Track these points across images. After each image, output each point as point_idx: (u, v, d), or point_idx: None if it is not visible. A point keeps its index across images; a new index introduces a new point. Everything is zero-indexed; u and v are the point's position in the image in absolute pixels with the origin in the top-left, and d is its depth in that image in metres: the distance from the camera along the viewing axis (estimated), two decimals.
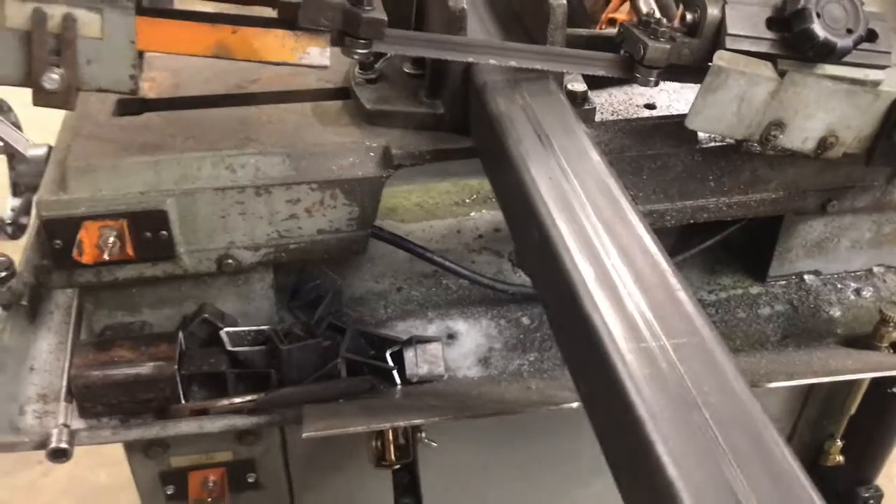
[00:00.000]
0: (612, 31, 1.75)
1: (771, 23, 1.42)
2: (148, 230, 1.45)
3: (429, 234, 1.99)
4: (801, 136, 1.51)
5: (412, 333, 1.68)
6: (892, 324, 1.69)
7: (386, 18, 1.28)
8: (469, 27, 1.56)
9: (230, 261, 1.54)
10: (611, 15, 4.27)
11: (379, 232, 1.63)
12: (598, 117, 1.63)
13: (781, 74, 1.42)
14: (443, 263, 1.67)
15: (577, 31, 1.70)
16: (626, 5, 4.25)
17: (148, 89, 1.67)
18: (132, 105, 1.62)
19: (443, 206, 2.07)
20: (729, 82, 1.40)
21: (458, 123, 1.55)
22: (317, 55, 1.30)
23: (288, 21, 1.27)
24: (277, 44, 1.28)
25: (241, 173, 1.48)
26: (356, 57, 1.33)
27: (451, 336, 1.71)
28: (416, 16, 1.60)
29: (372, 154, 1.53)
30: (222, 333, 1.57)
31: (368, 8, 1.28)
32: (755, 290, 1.85)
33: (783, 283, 1.86)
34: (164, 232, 1.46)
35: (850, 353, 1.74)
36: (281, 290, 1.69)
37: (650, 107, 1.69)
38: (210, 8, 1.31)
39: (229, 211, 1.49)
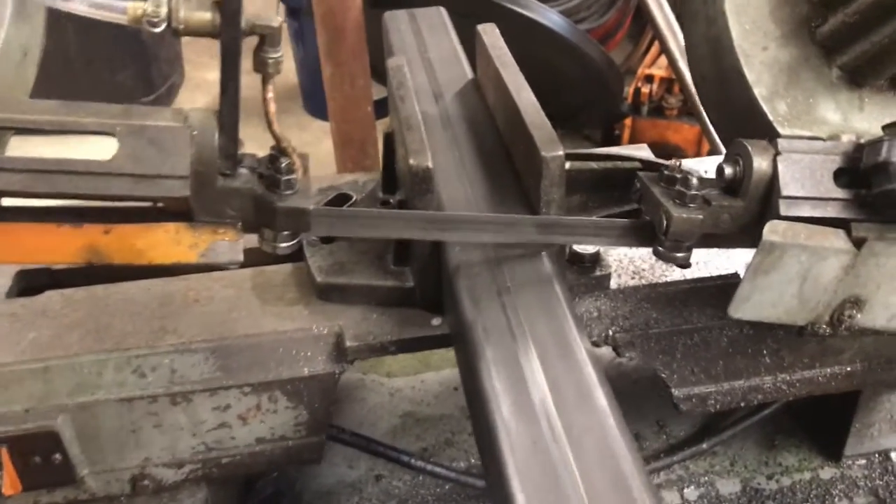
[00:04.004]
0: (636, 157, 1.40)
1: (841, 175, 1.05)
2: (36, 455, 1.14)
3: (419, 392, 1.65)
4: (887, 313, 1.13)
5: None
6: None
7: (310, 206, 0.95)
8: (445, 177, 1.24)
9: (147, 481, 1.21)
10: (647, 71, 3.91)
11: (338, 434, 1.29)
12: (614, 281, 1.27)
13: (858, 243, 1.05)
14: (423, 468, 1.32)
15: (587, 165, 1.35)
16: (663, 59, 3.89)
17: None
18: (35, 277, 1.32)
19: (438, 353, 1.72)
20: (786, 260, 1.03)
21: (431, 299, 1.21)
22: (226, 250, 0.98)
23: (181, 213, 0.95)
24: (169, 241, 0.96)
25: (153, 378, 1.16)
26: (279, 252, 0.99)
27: None
28: (385, 174, 1.28)
29: (321, 345, 1.19)
30: None
31: (287, 192, 0.95)
32: (827, 473, 1.46)
33: (863, 462, 1.46)
34: (57, 455, 1.15)
35: None
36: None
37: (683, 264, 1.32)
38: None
39: (141, 424, 1.17)
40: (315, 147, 4.30)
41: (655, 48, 4.10)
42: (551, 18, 3.09)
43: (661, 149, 3.81)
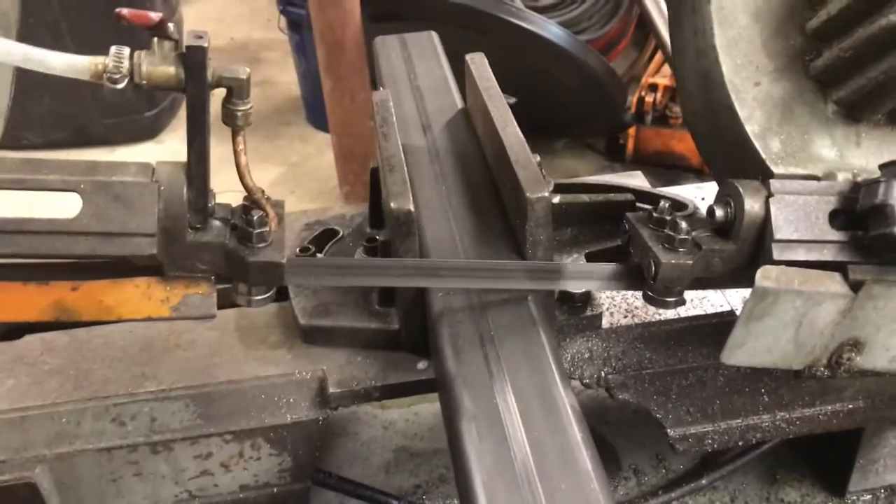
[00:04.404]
0: (629, 187, 1.36)
1: (836, 216, 1.01)
2: None
3: (413, 425, 1.62)
4: (888, 355, 1.09)
5: None
6: None
7: (283, 260, 0.92)
8: (430, 214, 1.21)
9: None
10: (650, 80, 3.86)
11: (325, 479, 1.26)
12: (607, 320, 1.23)
13: (855, 287, 1.01)
14: None
15: (578, 198, 1.31)
16: (667, 68, 3.83)
17: None
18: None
19: None
20: (780, 306, 0.99)
21: (417, 342, 1.18)
22: (199, 303, 0.95)
23: (151, 267, 0.92)
24: (139, 296, 0.93)
25: (133, 426, 1.14)
26: (254, 306, 0.97)
27: None
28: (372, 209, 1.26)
29: (305, 390, 1.16)
30: None
31: (260, 245, 0.92)
32: None
33: (868, 498, 1.42)
34: None
35: None
36: None
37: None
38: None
39: (121, 473, 1.15)
40: (317, 159, 4.26)
41: (659, 56, 4.04)
42: (551, 30, 3.04)
43: (665, 158, 3.76)
